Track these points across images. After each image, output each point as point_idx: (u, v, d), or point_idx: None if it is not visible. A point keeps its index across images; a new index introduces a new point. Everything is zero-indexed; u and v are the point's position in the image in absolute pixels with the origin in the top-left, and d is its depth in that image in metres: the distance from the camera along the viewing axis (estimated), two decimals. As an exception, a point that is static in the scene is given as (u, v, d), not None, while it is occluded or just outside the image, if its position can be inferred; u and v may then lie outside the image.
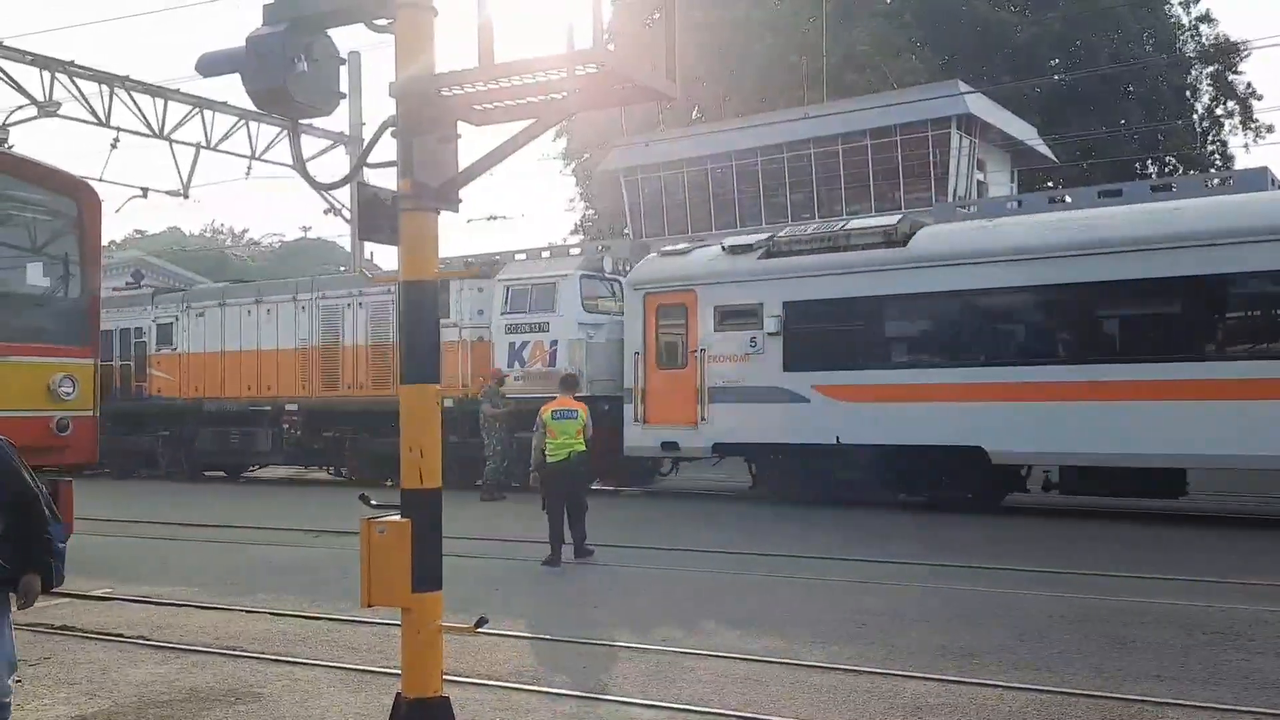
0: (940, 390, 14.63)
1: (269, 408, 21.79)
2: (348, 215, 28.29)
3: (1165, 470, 13.71)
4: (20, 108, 22.90)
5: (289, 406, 21.74)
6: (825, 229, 16.96)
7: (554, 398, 11.75)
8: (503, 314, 18.96)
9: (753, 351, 16.12)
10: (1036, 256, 14.21)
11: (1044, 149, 32.89)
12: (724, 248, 17.20)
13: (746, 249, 16.82)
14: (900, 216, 17.01)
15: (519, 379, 18.47)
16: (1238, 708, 5.72)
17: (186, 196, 26.18)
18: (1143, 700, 5.84)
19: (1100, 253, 13.72)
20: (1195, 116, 41.04)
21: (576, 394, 12.17)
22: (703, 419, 16.45)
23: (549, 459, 11.18)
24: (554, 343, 18.35)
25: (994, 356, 14.61)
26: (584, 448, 11.24)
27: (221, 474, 23.71)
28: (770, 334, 15.96)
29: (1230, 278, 13.22)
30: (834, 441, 15.30)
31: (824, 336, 15.75)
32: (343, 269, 31.34)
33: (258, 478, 23.93)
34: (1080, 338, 14.29)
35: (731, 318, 16.46)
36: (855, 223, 16.94)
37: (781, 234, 17.11)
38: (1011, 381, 14.22)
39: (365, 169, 5.05)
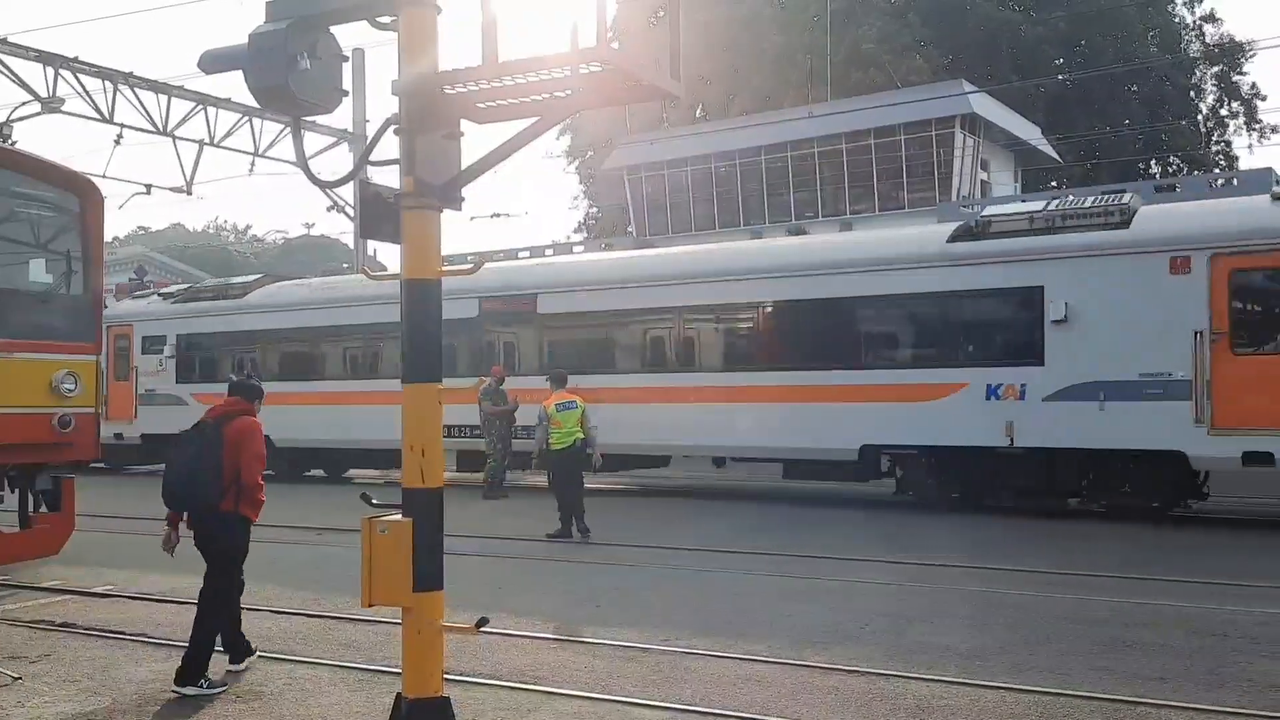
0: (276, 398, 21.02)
1: None
2: (351, 212, 28.23)
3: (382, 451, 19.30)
4: (24, 104, 22.83)
5: None
6: (218, 285, 24.04)
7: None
8: None
9: (161, 369, 22.70)
10: (277, 309, 21.27)
11: (1048, 149, 32.82)
12: (159, 294, 24.06)
13: (169, 295, 23.75)
14: (261, 275, 24.13)
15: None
16: (1240, 710, 5.71)
17: (190, 193, 26.18)
18: (1145, 702, 5.83)
19: (328, 306, 20.46)
20: (1199, 117, 40.99)
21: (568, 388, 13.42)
22: (136, 416, 22.77)
23: (554, 446, 12.56)
24: None
25: (303, 375, 20.86)
26: (584, 435, 12.66)
27: None
28: (169, 356, 22.69)
29: (356, 327, 20.14)
30: None
31: (196, 359, 22.58)
32: (345, 266, 31.30)
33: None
34: (329, 364, 20.76)
35: (152, 344, 23.02)
36: (237, 280, 24.29)
37: (193, 287, 24.46)
38: (310, 392, 20.53)
39: (368, 167, 5.04)
